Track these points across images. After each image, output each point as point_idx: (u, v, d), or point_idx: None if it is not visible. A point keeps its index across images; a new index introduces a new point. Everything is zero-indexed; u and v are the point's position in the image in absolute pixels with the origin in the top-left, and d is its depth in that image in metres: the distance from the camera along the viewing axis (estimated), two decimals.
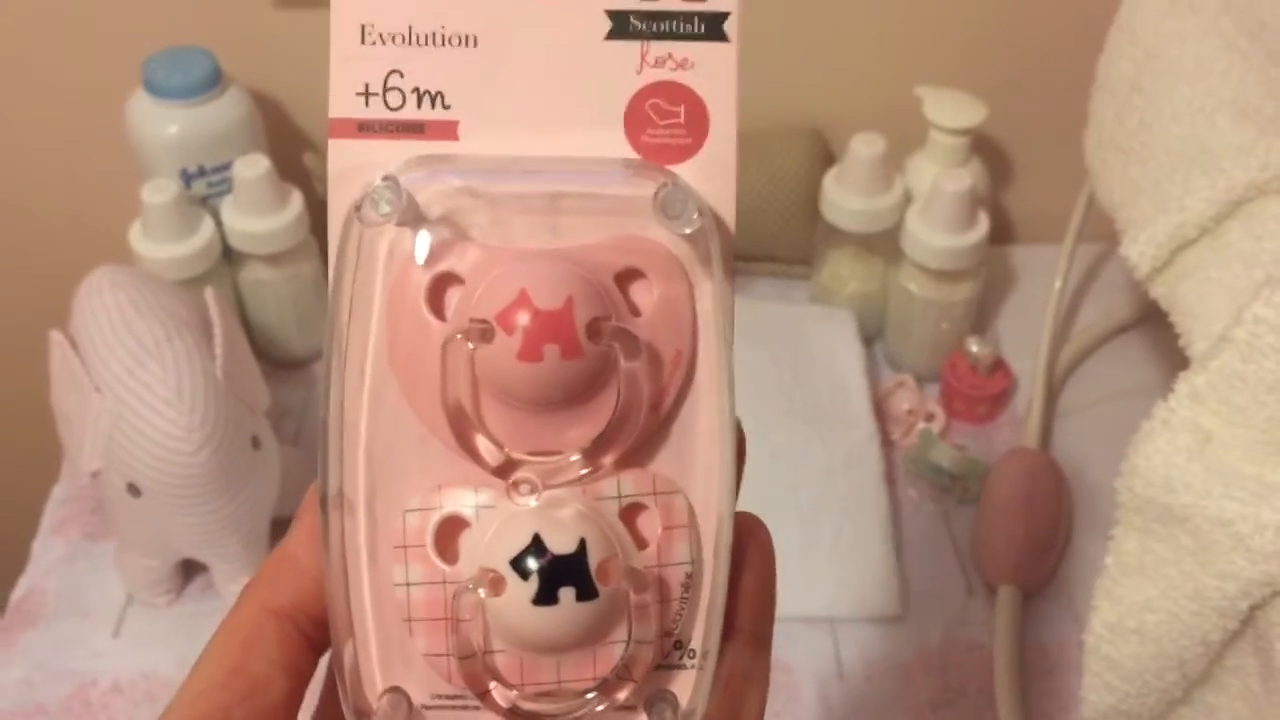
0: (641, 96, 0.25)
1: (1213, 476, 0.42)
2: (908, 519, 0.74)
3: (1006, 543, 0.70)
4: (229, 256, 0.79)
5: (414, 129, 0.25)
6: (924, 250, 0.76)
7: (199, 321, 0.65)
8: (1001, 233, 0.94)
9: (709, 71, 0.25)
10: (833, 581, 0.69)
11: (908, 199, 0.79)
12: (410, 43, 0.25)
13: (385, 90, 0.25)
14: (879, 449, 0.74)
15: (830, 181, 0.80)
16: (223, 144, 0.77)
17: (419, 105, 0.25)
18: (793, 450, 0.72)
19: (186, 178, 0.77)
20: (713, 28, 0.25)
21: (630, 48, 0.25)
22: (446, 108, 0.25)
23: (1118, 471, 0.70)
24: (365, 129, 0.25)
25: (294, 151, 0.83)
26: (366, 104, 0.25)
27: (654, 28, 0.25)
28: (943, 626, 0.69)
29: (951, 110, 0.80)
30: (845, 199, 0.79)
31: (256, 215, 0.76)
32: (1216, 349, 0.44)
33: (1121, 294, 0.87)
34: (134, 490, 0.62)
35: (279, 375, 0.82)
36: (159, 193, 0.74)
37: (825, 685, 0.65)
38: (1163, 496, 0.43)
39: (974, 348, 0.78)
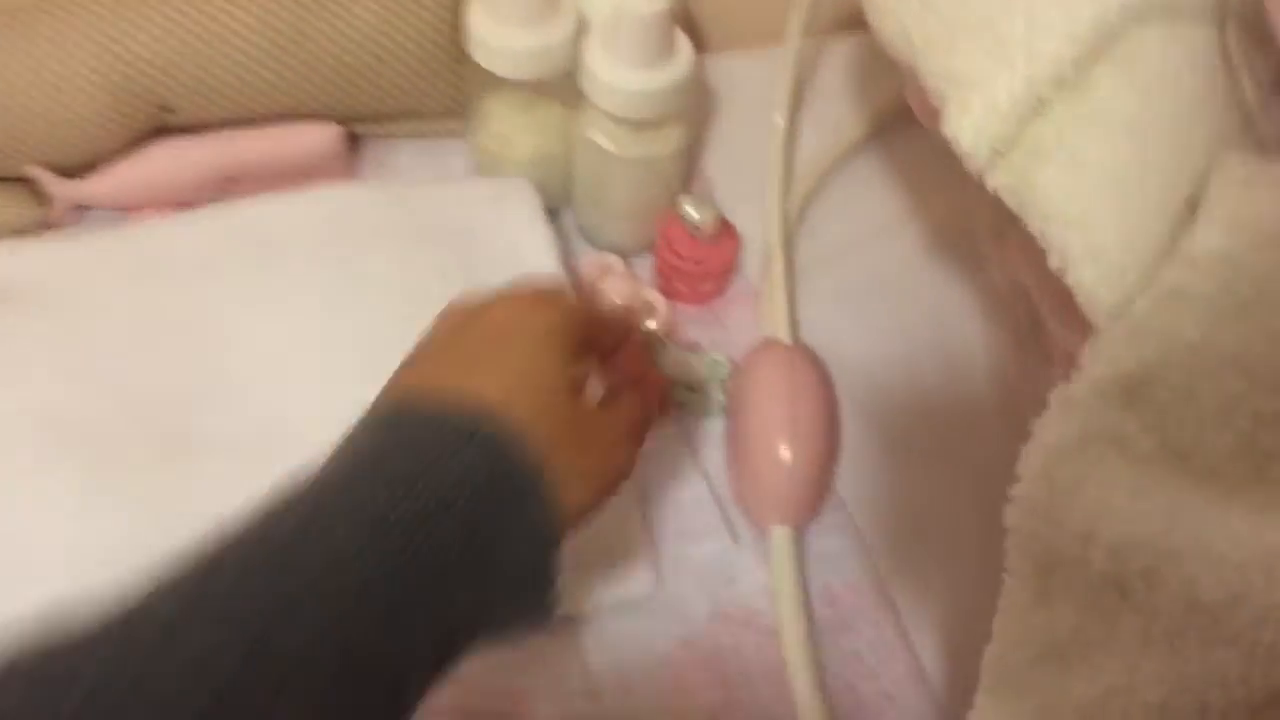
0: None
1: (1158, 516, 0.27)
2: (643, 455, 0.58)
3: (770, 468, 0.55)
4: None
5: None
6: (612, 95, 0.57)
7: None
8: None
9: None
10: (566, 564, 0.53)
11: (582, 26, 0.59)
12: None
13: None
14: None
15: (476, 9, 0.59)
16: None
17: None
18: None
19: None
20: None
21: None
22: None
23: (866, 353, 0.55)
24: None
25: None
26: None
27: None
28: (710, 594, 0.54)
29: None
30: (498, 34, 0.58)
31: None
32: (1140, 309, 0.28)
33: (847, 104, 0.71)
34: None
35: None
36: None
37: (571, 707, 0.50)
38: (1082, 550, 0.28)
39: (692, 211, 0.61)
